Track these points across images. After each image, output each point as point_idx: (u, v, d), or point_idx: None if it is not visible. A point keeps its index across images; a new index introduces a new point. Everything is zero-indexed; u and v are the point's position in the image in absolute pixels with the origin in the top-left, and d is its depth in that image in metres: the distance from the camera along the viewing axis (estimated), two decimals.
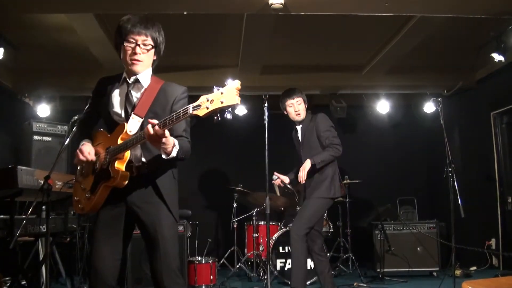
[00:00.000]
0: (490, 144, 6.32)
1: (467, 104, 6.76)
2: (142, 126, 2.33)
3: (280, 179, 4.43)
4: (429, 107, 6.86)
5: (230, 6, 4.30)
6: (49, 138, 5.53)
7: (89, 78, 6.32)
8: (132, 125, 2.35)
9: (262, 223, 5.81)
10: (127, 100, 2.43)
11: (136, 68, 2.41)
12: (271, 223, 5.63)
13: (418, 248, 5.71)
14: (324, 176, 4.15)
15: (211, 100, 1.98)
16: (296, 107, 4.25)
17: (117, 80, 2.50)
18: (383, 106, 6.96)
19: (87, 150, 2.41)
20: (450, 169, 4.13)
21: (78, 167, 2.54)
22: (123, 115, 2.42)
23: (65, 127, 5.65)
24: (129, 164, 2.35)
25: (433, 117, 6.59)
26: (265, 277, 4.76)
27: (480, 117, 6.52)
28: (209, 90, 2.01)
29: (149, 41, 2.39)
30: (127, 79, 2.45)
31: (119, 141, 2.32)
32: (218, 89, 1.98)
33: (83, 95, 6.43)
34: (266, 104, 4.16)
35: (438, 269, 5.65)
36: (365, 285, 5.20)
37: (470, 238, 6.12)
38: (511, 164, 6.10)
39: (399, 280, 5.40)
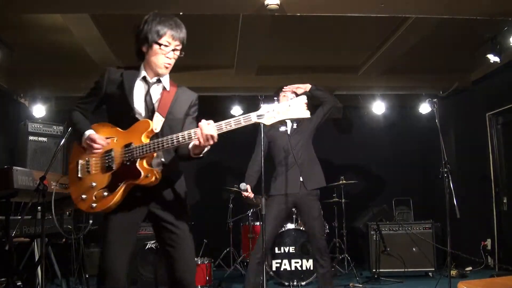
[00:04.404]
0: (485, 145, 6.34)
1: (463, 105, 6.78)
2: (163, 125, 2.35)
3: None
4: (425, 107, 6.87)
5: (226, 6, 4.29)
6: (44, 139, 5.52)
7: (85, 79, 6.26)
8: (157, 123, 2.34)
9: (257, 223, 5.80)
10: (146, 98, 2.40)
11: (165, 72, 2.40)
12: None
13: (414, 249, 5.71)
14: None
15: (278, 112, 2.20)
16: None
17: (133, 75, 2.42)
18: (378, 107, 6.96)
19: (102, 138, 2.32)
20: (445, 169, 4.12)
21: (79, 163, 2.39)
22: (143, 113, 2.38)
23: (61, 128, 5.64)
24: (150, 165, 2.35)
25: (429, 117, 6.61)
26: (261, 277, 4.75)
27: (475, 118, 6.54)
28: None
29: (180, 47, 2.39)
30: (148, 78, 2.41)
31: (144, 139, 2.30)
32: (276, 100, 2.25)
33: (78, 95, 6.36)
34: (262, 105, 4.16)
35: (433, 269, 5.65)
36: (360, 285, 5.21)
37: (466, 238, 6.14)
38: (506, 165, 6.12)
39: (394, 280, 5.41)
